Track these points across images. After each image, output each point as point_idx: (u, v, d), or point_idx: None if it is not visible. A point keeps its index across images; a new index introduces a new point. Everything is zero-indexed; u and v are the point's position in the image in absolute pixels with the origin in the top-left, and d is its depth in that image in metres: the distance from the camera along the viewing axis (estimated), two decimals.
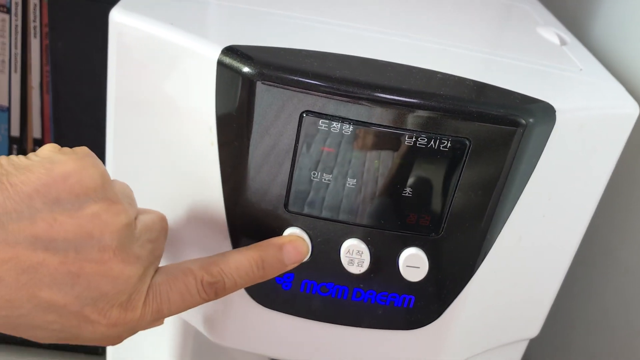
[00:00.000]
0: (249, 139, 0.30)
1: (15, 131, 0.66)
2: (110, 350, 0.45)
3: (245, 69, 0.28)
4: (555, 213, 0.34)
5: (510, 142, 0.29)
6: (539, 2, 0.50)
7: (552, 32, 0.41)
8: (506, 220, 0.32)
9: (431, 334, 0.35)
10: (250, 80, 0.28)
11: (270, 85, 0.28)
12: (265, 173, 0.30)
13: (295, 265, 0.31)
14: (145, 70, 0.32)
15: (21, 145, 0.67)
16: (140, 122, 0.33)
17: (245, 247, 0.30)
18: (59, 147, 0.26)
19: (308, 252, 0.31)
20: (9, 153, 0.66)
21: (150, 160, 0.34)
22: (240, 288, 0.30)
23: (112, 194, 0.26)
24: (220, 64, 0.29)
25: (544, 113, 0.30)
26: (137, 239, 0.27)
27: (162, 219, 0.31)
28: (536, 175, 0.31)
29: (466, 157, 0.29)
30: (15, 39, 0.62)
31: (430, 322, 0.34)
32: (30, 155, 0.25)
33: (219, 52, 0.29)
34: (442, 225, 0.31)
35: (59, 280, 0.24)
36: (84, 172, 0.25)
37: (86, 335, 0.26)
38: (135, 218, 0.28)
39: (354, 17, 0.37)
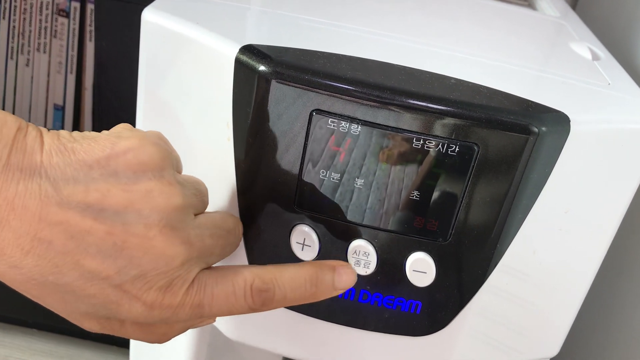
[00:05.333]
0: (262, 136, 0.30)
1: (68, 129, 0.69)
2: (132, 341, 0.46)
3: (261, 67, 0.29)
4: (573, 228, 0.33)
5: (521, 150, 0.29)
6: (579, 18, 0.49)
7: (584, 47, 0.40)
8: (518, 230, 0.32)
9: (438, 343, 0.34)
10: (265, 78, 0.29)
11: (283, 83, 0.29)
12: (277, 170, 0.31)
13: (342, 291, 0.31)
14: (171, 67, 0.33)
15: None
16: (165, 118, 0.35)
17: (299, 263, 0.30)
18: (131, 126, 0.27)
19: (355, 281, 0.31)
20: None
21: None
22: (288, 304, 0.29)
23: (169, 176, 0.26)
24: (237, 61, 0.30)
25: (558, 122, 0.29)
26: (195, 227, 0.27)
27: (237, 224, 0.31)
28: (550, 187, 0.31)
29: (474, 163, 0.29)
30: (73, 41, 0.66)
31: (437, 330, 0.34)
32: (103, 131, 0.27)
33: (237, 50, 0.30)
34: (450, 231, 0.31)
35: (103, 250, 0.24)
36: (143, 149, 0.25)
37: (124, 315, 0.26)
38: (198, 214, 0.28)
39: (378, 24, 0.37)
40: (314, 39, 0.33)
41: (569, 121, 0.30)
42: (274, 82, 0.29)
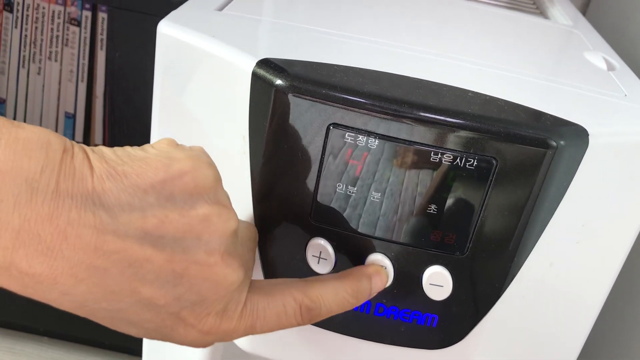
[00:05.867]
0: (278, 149, 0.30)
1: (79, 137, 0.70)
2: (145, 349, 0.46)
3: (278, 81, 0.29)
4: (590, 240, 0.33)
5: (539, 164, 0.29)
6: (594, 28, 0.49)
7: (599, 57, 0.40)
8: (535, 244, 0.32)
9: (454, 356, 0.34)
10: (281, 92, 0.29)
11: (300, 97, 0.29)
12: (293, 183, 0.31)
13: (376, 293, 0.31)
14: (187, 80, 0.33)
15: None
16: (180, 129, 0.35)
17: (337, 275, 0.30)
18: (176, 142, 0.26)
19: (388, 282, 0.32)
20: None
21: None
22: (331, 315, 0.30)
23: (223, 198, 0.26)
24: (254, 75, 0.30)
25: (576, 136, 0.29)
26: (240, 245, 0.27)
27: (256, 231, 0.31)
28: (568, 200, 0.31)
29: (492, 177, 0.29)
30: (84, 50, 0.66)
31: (454, 343, 0.34)
32: (146, 146, 0.25)
33: (254, 64, 0.30)
34: (468, 244, 0.31)
35: (162, 278, 0.23)
36: (199, 172, 0.24)
37: (177, 338, 0.26)
38: None
39: (391, 35, 0.37)
40: (330, 52, 0.33)
41: (588, 135, 0.29)
42: (290, 96, 0.29)
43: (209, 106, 0.33)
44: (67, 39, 0.66)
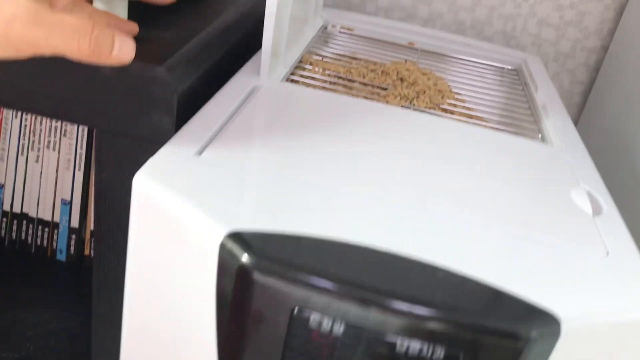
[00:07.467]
0: (243, 325, 0.30)
1: (74, 223, 0.70)
2: None
3: (244, 258, 0.29)
4: None
5: (509, 356, 0.28)
6: (587, 151, 0.49)
7: (585, 198, 0.39)
8: None
9: None
10: (247, 269, 0.29)
11: (266, 276, 0.29)
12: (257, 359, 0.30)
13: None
14: (160, 240, 0.33)
15: (79, 235, 0.71)
16: (151, 282, 0.35)
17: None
18: None
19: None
20: (68, 243, 0.70)
21: (159, 317, 0.35)
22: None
23: None
24: (223, 247, 0.30)
25: (547, 325, 0.28)
26: None
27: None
28: None
29: None
30: (81, 140, 0.67)
31: None
32: None
33: (223, 236, 0.30)
34: None
35: None
36: None
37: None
38: None
39: (375, 188, 0.37)
40: (303, 216, 0.32)
41: (559, 323, 0.29)
42: (256, 274, 0.29)
43: (177, 267, 0.33)
44: (65, 130, 0.66)
